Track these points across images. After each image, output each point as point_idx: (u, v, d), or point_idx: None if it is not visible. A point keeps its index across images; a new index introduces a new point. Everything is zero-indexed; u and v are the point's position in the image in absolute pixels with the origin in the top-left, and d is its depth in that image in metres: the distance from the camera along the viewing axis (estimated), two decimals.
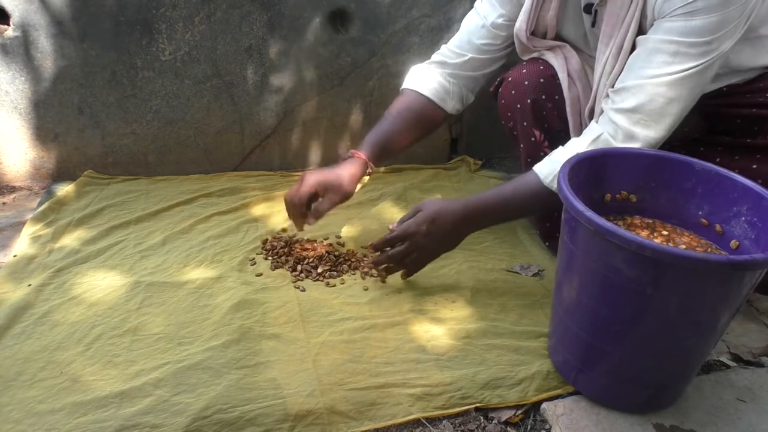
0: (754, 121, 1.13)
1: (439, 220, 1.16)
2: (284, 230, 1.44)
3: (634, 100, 1.04)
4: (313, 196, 1.25)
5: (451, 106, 1.36)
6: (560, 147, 1.13)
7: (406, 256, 1.19)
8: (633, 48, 1.08)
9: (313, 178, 1.25)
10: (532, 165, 1.35)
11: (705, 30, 0.97)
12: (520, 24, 1.24)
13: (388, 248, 1.21)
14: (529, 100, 1.26)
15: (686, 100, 1.04)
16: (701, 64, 1.00)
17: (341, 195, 1.25)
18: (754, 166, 1.10)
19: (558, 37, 1.26)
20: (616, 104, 1.07)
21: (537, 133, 1.30)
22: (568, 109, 1.24)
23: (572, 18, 1.22)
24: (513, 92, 1.29)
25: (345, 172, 1.26)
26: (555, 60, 1.24)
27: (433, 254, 1.21)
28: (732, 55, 1.10)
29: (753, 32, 1.09)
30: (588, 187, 1.01)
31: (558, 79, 1.24)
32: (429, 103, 1.34)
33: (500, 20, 1.28)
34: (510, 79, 1.30)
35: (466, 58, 1.33)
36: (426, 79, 1.35)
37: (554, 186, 1.08)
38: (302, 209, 1.26)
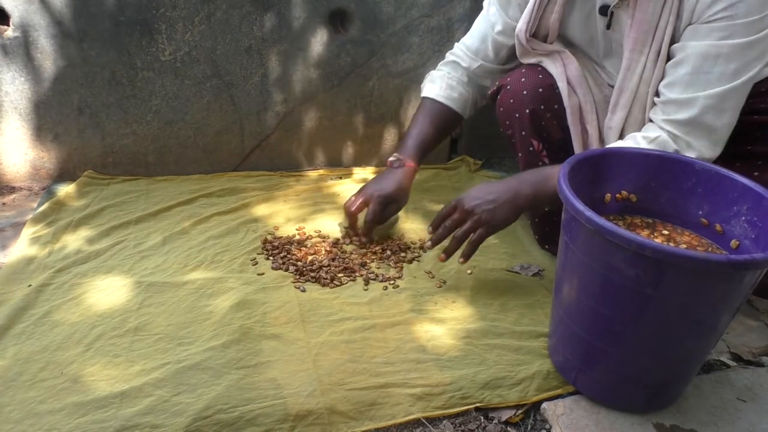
0: (756, 127, 1.12)
1: (491, 188, 1.17)
2: (276, 228, 1.45)
3: (686, 113, 1.05)
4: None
5: (468, 112, 1.44)
6: (618, 141, 1.14)
7: (461, 225, 1.18)
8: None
9: (379, 199, 1.32)
10: None
11: (750, 31, 0.97)
12: (521, 25, 1.24)
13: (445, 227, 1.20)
14: (527, 110, 1.25)
15: (737, 108, 1.05)
16: (749, 71, 1.00)
17: (403, 205, 1.37)
18: (756, 174, 1.10)
19: (560, 40, 1.26)
20: (669, 115, 1.07)
21: (535, 142, 1.29)
22: (569, 118, 1.23)
23: (579, 21, 1.20)
24: (511, 101, 1.28)
25: (404, 182, 1.35)
26: (553, 67, 1.23)
27: (489, 227, 1.17)
28: None
29: None
30: (588, 187, 1.01)
31: (557, 88, 1.23)
32: (451, 111, 1.41)
33: (508, 28, 1.29)
34: (509, 87, 1.29)
35: (478, 64, 1.38)
36: (446, 87, 1.40)
37: None
38: (366, 228, 1.35)
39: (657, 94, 1.11)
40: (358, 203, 1.34)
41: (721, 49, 1.00)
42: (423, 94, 1.43)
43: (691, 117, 1.04)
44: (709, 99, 1.02)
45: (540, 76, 1.25)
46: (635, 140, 1.09)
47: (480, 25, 1.36)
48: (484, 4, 1.35)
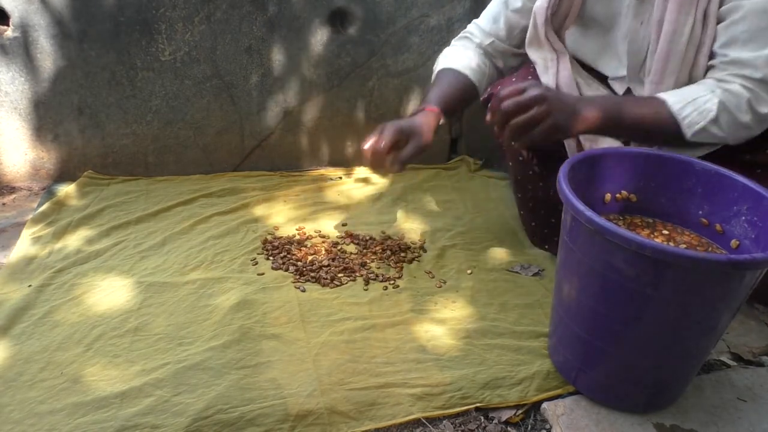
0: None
1: (564, 93, 1.10)
2: (276, 228, 1.45)
3: (753, 71, 1.00)
4: (395, 145, 1.18)
5: (483, 88, 1.33)
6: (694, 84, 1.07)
7: (533, 104, 0.99)
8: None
9: (393, 127, 1.18)
10: (522, 182, 1.34)
11: None
12: (542, 2, 1.18)
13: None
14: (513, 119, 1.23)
15: None
16: None
17: (423, 142, 1.19)
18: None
19: (578, 22, 1.21)
20: (742, 71, 1.01)
21: (524, 152, 1.28)
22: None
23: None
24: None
25: (422, 120, 1.21)
26: (545, 76, 1.22)
27: (555, 122, 1.00)
28: None
29: None
30: (588, 187, 1.01)
31: None
32: (468, 80, 1.30)
33: (524, 6, 1.24)
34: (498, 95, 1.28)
35: (490, 40, 1.31)
36: (463, 57, 1.31)
37: (683, 114, 1.02)
38: (385, 158, 1.17)
39: (712, 56, 1.06)
40: (371, 141, 1.17)
41: None
42: (439, 68, 1.32)
43: (762, 76, 1.00)
44: None
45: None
46: (707, 86, 1.03)
47: (494, 4, 1.31)
48: None
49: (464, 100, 1.32)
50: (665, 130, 1.04)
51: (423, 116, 1.22)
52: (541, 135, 1.01)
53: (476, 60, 1.31)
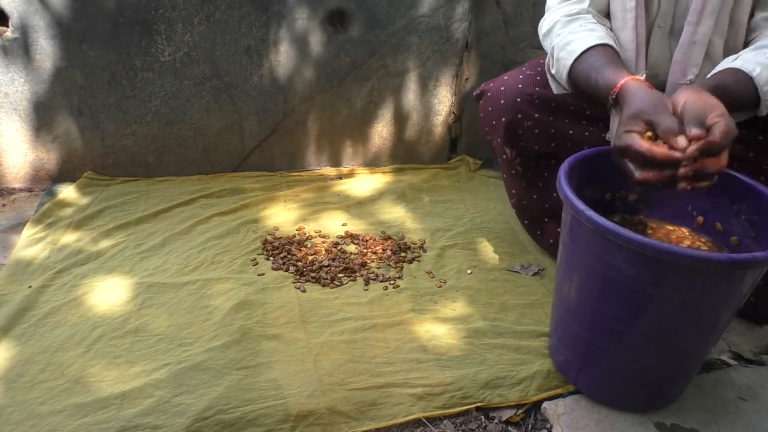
0: (752, 146, 1.07)
1: (715, 100, 0.88)
2: (277, 228, 1.45)
3: None
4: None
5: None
6: (747, 51, 0.97)
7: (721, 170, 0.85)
8: None
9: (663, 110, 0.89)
10: (508, 182, 1.33)
11: None
12: None
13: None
14: (503, 119, 1.23)
15: None
16: None
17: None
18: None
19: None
20: None
21: (508, 151, 1.28)
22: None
23: None
24: (490, 109, 1.27)
25: (654, 96, 0.92)
26: (624, 31, 1.07)
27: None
28: None
29: None
30: (588, 186, 1.01)
31: (536, 98, 1.18)
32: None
33: None
34: (489, 94, 1.27)
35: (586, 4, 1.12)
36: (604, 32, 1.08)
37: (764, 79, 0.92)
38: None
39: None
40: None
41: None
42: (563, 60, 1.06)
43: None
44: None
45: (520, 86, 1.21)
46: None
47: None
48: None
49: None
50: (744, 106, 0.95)
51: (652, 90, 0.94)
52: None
53: (604, 30, 1.08)
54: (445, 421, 0.95)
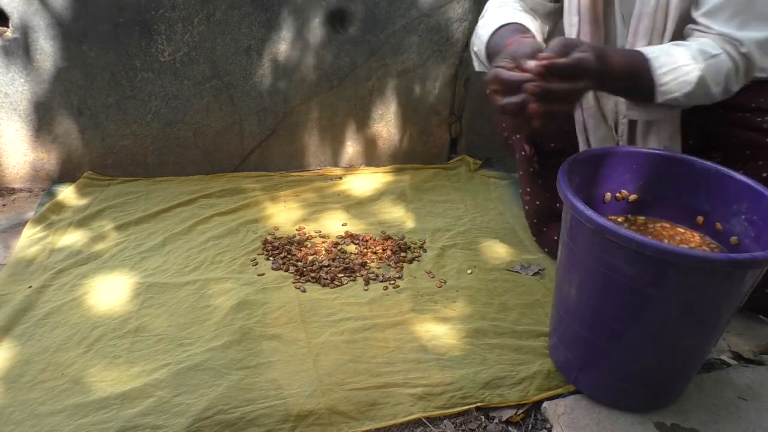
0: (746, 145, 1.09)
1: (607, 60, 0.92)
2: (276, 228, 1.45)
3: (746, 48, 0.97)
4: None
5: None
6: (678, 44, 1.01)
7: (571, 95, 0.88)
8: None
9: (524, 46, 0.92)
10: (524, 179, 1.34)
11: None
12: None
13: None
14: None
15: None
16: None
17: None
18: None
19: None
20: (729, 43, 0.98)
21: (527, 147, 1.29)
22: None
23: None
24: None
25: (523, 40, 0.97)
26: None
27: (584, 89, 0.90)
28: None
29: None
30: (588, 187, 1.01)
31: None
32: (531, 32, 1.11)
33: None
34: None
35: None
36: (518, 15, 1.15)
37: (663, 80, 0.97)
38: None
39: (694, 23, 1.03)
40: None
41: None
42: (482, 37, 1.12)
43: (748, 51, 0.97)
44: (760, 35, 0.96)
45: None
46: (692, 51, 0.98)
47: None
48: None
49: None
50: (640, 89, 0.99)
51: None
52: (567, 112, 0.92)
53: (525, 16, 1.15)
54: (445, 421, 0.95)
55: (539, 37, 1.13)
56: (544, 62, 0.84)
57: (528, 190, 1.37)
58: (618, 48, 1.05)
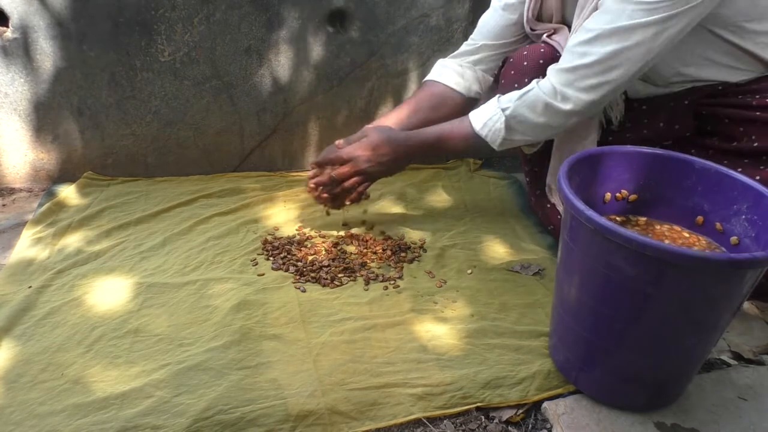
0: (739, 122, 1.14)
1: (382, 148, 1.25)
2: (276, 228, 1.45)
3: (575, 61, 1.05)
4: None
5: (465, 87, 1.40)
6: (498, 96, 1.19)
7: (347, 177, 1.26)
8: None
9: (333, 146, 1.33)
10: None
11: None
12: (525, 9, 1.28)
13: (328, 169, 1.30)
14: (526, 80, 1.25)
15: (628, 66, 1.02)
16: (652, 19, 0.98)
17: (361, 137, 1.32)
18: (739, 170, 1.10)
19: (563, 21, 1.27)
20: (559, 65, 1.08)
21: None
22: None
23: (571, 4, 1.22)
24: (512, 72, 1.30)
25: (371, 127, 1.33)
26: (561, 37, 1.24)
27: (371, 179, 1.30)
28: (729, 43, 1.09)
29: (738, 27, 1.08)
30: (588, 186, 1.01)
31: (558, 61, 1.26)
32: (440, 86, 1.40)
33: (512, 1, 1.30)
34: (511, 60, 1.32)
35: (479, 44, 1.38)
36: (440, 67, 1.42)
37: (483, 134, 1.17)
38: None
39: None
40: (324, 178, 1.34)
41: (626, 6, 1.00)
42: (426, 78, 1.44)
43: (577, 64, 1.05)
44: (599, 46, 1.02)
45: (542, 50, 1.27)
46: (501, 101, 1.16)
47: (485, 13, 1.39)
48: None
49: (439, 108, 1.39)
50: (481, 146, 1.20)
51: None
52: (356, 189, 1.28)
53: (453, 66, 1.40)
54: (445, 421, 0.95)
55: (465, 86, 1.40)
56: (309, 183, 1.33)
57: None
58: (446, 125, 1.25)
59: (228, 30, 1.57)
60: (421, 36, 1.70)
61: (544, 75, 1.24)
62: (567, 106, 1.07)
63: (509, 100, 1.15)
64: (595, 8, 1.08)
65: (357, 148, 1.25)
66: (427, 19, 1.68)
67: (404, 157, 1.27)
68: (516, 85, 1.28)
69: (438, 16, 1.68)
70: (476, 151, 1.31)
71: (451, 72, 1.40)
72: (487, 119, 1.16)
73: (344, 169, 1.26)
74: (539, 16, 1.27)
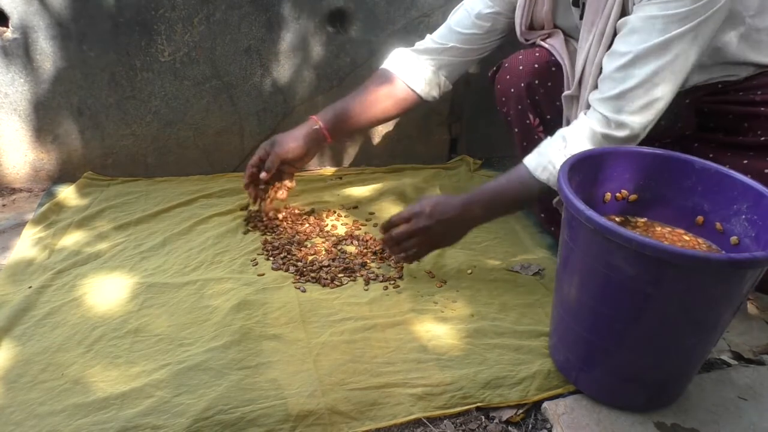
0: (744, 118, 1.14)
1: (440, 206, 1.18)
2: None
3: (618, 88, 1.03)
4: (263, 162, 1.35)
5: (425, 90, 1.38)
6: (548, 138, 1.13)
7: (409, 237, 1.19)
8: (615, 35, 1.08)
9: (277, 150, 1.33)
10: (528, 149, 1.38)
11: (683, 6, 0.96)
12: (517, 21, 1.27)
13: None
14: (523, 84, 1.27)
15: (671, 80, 1.02)
16: (685, 28, 0.97)
17: (286, 150, 1.33)
18: (745, 162, 1.12)
19: (555, 26, 1.28)
20: (601, 93, 1.06)
21: (531, 116, 1.31)
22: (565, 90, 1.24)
23: (564, 11, 1.23)
24: (508, 77, 1.30)
25: (295, 131, 1.35)
26: (556, 42, 1.24)
27: (434, 241, 1.21)
28: (723, 47, 1.10)
29: (744, 24, 1.09)
30: (588, 186, 1.01)
31: (553, 66, 1.25)
32: (400, 83, 1.37)
33: (487, 11, 1.29)
34: (506, 64, 1.32)
35: (448, 46, 1.35)
36: (402, 60, 1.37)
37: (543, 178, 1.08)
38: (254, 178, 1.36)
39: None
40: (254, 158, 1.36)
41: (655, 15, 0.98)
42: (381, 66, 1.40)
43: (623, 90, 1.03)
44: (641, 68, 1.01)
45: (537, 54, 1.27)
46: (561, 135, 1.09)
47: (454, 14, 1.36)
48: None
49: (390, 103, 1.37)
50: (540, 194, 1.11)
51: (300, 127, 1.34)
52: (424, 252, 1.23)
53: (415, 63, 1.36)
54: (445, 421, 0.95)
55: (424, 90, 1.37)
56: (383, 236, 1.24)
57: None
58: (502, 179, 1.17)
59: (228, 30, 1.57)
60: (421, 36, 1.68)
61: (539, 78, 1.26)
62: (624, 133, 1.03)
63: (563, 138, 1.09)
64: (611, 25, 1.06)
65: (416, 206, 1.20)
66: (427, 19, 1.68)
67: (465, 215, 1.17)
68: (512, 90, 1.29)
69: (438, 16, 1.68)
70: (539, 199, 1.24)
71: (416, 72, 1.36)
72: (547, 162, 1.08)
73: (404, 228, 1.19)
74: (531, 25, 1.27)
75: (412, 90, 1.37)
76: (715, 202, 0.98)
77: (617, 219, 1.04)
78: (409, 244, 1.20)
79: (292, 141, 1.33)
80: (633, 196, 1.04)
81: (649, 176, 1.03)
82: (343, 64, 1.68)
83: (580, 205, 0.84)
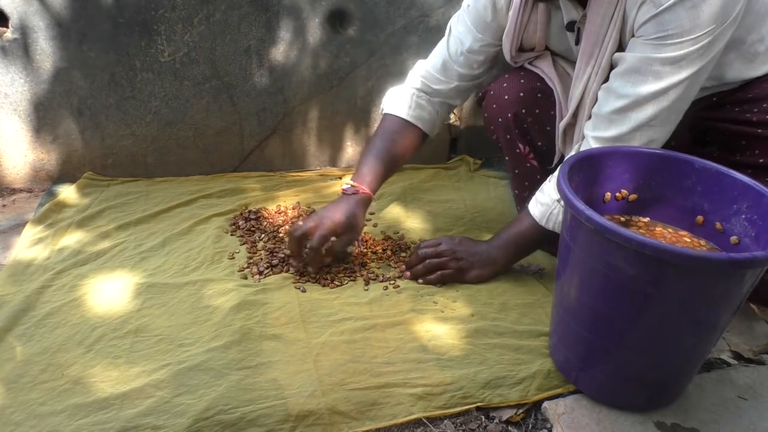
0: (740, 136, 1.13)
1: (465, 242, 1.27)
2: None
3: (615, 130, 1.05)
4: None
5: (432, 130, 1.38)
6: (546, 182, 1.16)
7: (433, 256, 1.25)
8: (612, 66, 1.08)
9: (328, 223, 1.20)
10: (519, 177, 1.37)
11: (680, 50, 0.97)
12: (505, 46, 1.23)
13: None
14: (510, 114, 1.27)
15: (669, 121, 1.04)
16: (684, 76, 0.99)
17: (357, 234, 1.28)
18: None
19: (546, 48, 1.26)
20: (598, 132, 1.07)
21: (521, 145, 1.31)
22: (558, 116, 1.24)
23: (557, 34, 1.21)
24: (494, 106, 1.30)
25: (357, 211, 1.25)
26: (544, 64, 1.24)
27: (460, 266, 1.25)
28: (722, 69, 1.10)
29: (742, 44, 1.09)
30: (588, 186, 1.01)
31: (539, 92, 1.25)
32: (416, 130, 1.34)
33: (477, 45, 1.26)
34: (492, 92, 1.31)
35: (452, 85, 1.32)
36: (410, 104, 1.33)
37: (550, 227, 1.14)
38: (321, 259, 1.24)
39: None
40: (304, 229, 1.21)
41: (652, 58, 0.99)
42: (387, 111, 1.35)
43: (620, 134, 1.05)
44: (639, 112, 1.02)
45: (522, 81, 1.26)
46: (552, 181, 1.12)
47: (447, 45, 1.30)
48: (451, 23, 1.30)
49: (409, 151, 1.36)
50: (553, 237, 1.11)
51: (357, 204, 1.25)
52: (449, 276, 1.24)
53: (428, 109, 1.34)
54: (445, 421, 0.95)
55: (434, 131, 1.38)
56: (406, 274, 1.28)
57: (525, 184, 1.40)
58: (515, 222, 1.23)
59: (228, 30, 1.57)
60: (421, 36, 1.70)
61: (525, 107, 1.25)
62: None
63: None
64: (608, 58, 1.06)
65: (451, 240, 1.28)
66: (427, 19, 1.68)
67: (495, 261, 1.25)
68: (500, 119, 1.29)
69: (438, 16, 1.68)
70: (553, 240, 1.23)
71: (426, 114, 1.33)
72: (548, 214, 1.14)
73: (432, 249, 1.26)
74: (521, 47, 1.24)
75: (426, 135, 1.38)
76: (715, 202, 0.98)
77: (621, 218, 1.04)
78: (435, 264, 1.24)
79: (361, 223, 1.27)
80: (633, 196, 1.04)
81: (648, 176, 1.03)
82: (343, 64, 1.69)
83: (580, 205, 0.84)
